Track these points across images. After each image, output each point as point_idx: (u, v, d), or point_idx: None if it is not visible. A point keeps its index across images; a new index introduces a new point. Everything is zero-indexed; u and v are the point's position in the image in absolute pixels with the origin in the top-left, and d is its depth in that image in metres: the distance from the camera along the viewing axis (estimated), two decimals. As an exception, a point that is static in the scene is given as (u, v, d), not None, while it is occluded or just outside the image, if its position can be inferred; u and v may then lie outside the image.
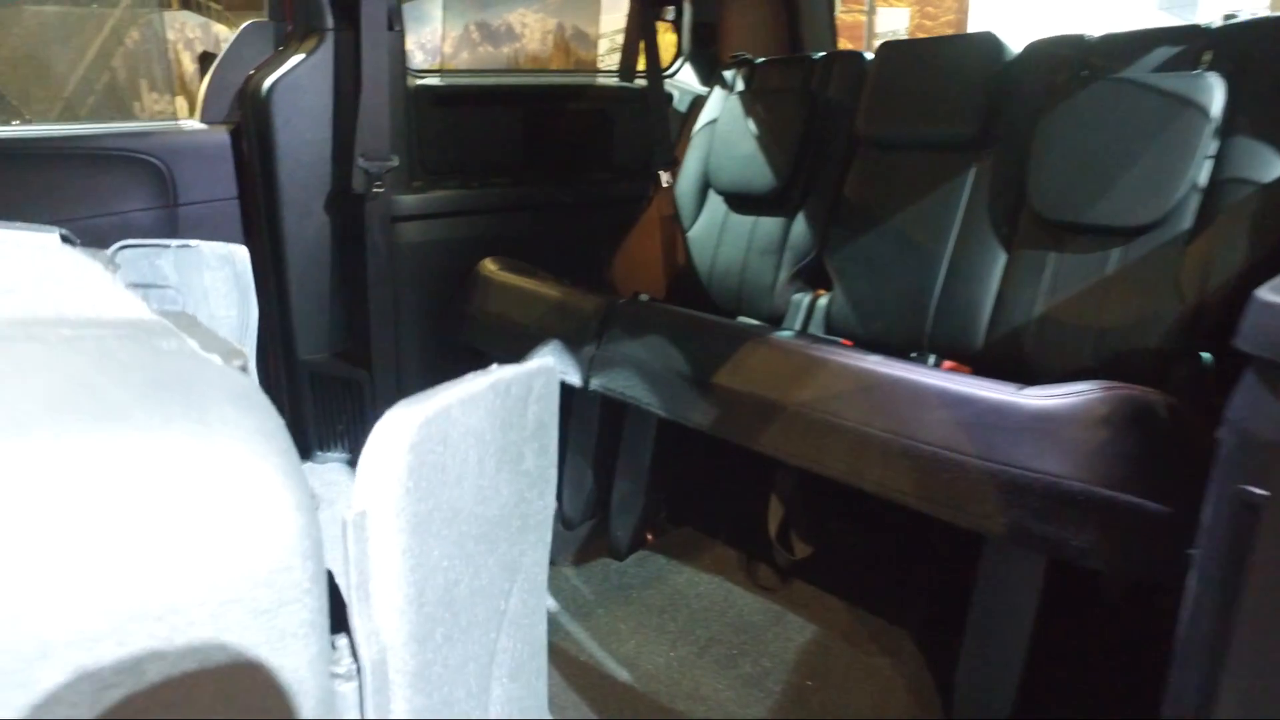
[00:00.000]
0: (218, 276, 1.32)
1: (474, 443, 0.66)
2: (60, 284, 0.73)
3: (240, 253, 1.30)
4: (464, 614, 0.68)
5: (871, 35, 7.19)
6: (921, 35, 6.71)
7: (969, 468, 1.06)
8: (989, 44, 1.73)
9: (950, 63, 1.77)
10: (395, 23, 1.85)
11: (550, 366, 0.74)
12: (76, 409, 0.44)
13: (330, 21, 1.81)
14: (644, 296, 1.94)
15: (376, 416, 0.59)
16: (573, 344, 1.66)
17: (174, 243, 1.29)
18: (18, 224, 0.98)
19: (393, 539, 0.58)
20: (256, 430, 0.48)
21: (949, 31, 7.31)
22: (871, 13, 7.26)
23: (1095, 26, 1.62)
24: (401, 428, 0.58)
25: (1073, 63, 1.59)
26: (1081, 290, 1.48)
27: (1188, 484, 0.96)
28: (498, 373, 0.69)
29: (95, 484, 0.41)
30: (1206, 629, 0.69)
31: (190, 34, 5.88)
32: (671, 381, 1.47)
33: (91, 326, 0.59)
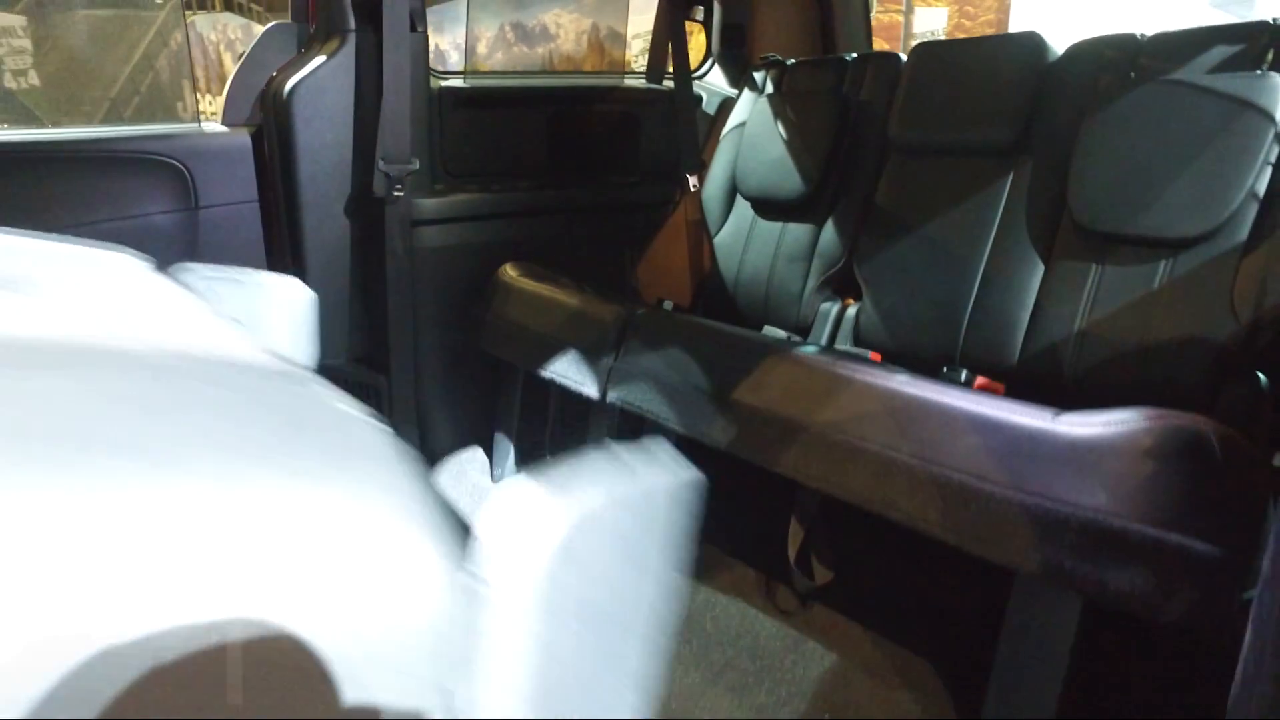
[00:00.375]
0: (276, 313, 1.24)
1: (612, 542, 0.62)
2: (171, 315, 0.73)
3: (305, 293, 1.23)
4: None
5: (908, 36, 7.05)
6: (960, 36, 6.56)
7: (1000, 499, 0.99)
8: (1031, 44, 1.65)
9: (989, 64, 1.69)
10: (418, 24, 1.83)
11: (700, 482, 0.69)
12: (241, 453, 0.42)
13: (352, 23, 1.79)
14: (668, 304, 1.89)
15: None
16: (590, 354, 1.61)
17: (234, 271, 1.22)
18: (90, 241, 0.95)
19: (523, 636, 0.52)
20: (413, 496, 0.45)
21: (989, 32, 7.14)
22: (909, 12, 7.11)
23: (1145, 27, 1.54)
24: (552, 521, 0.52)
25: (1120, 64, 1.51)
26: (1125, 305, 1.40)
27: (1244, 521, 0.89)
28: (646, 478, 0.64)
29: (253, 534, 0.37)
30: (1267, 686, 0.61)
31: (232, 35, 5.97)
32: (690, 396, 1.42)
33: (237, 369, 0.58)
